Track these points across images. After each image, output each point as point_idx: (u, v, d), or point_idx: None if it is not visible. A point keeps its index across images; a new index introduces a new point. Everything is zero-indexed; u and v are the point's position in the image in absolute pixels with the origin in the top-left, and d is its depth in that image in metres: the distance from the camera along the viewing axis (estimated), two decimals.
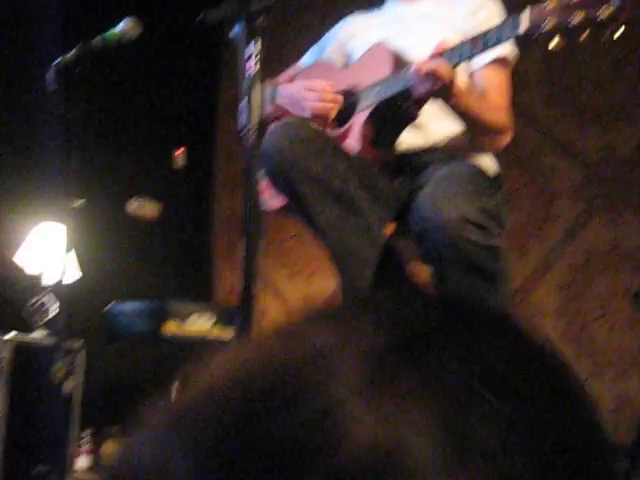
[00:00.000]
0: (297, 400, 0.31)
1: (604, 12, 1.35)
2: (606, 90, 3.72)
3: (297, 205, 1.89)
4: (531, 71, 3.73)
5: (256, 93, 1.43)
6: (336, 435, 0.30)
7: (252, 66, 1.44)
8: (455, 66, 1.76)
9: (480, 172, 1.92)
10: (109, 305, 2.38)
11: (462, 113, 1.91)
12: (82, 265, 3.31)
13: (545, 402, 0.32)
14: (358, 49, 2.25)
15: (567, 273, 3.76)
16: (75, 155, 2.38)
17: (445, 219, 1.68)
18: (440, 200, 1.72)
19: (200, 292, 4.58)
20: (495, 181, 2.02)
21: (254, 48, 1.45)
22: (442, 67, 1.70)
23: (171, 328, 2.19)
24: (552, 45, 1.47)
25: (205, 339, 2.27)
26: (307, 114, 2.06)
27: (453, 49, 1.74)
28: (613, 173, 3.71)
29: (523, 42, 1.68)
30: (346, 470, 0.29)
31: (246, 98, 1.44)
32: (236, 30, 1.48)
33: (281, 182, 1.86)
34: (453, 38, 2.11)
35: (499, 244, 1.77)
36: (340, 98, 2.08)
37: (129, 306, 2.36)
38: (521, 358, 0.33)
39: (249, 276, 1.46)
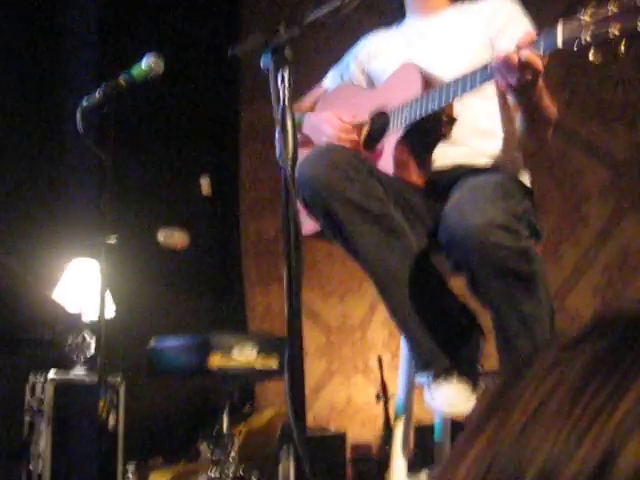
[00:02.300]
0: None
1: None
2: (629, 88, 3.69)
3: (335, 230, 1.88)
4: (551, 73, 3.70)
5: (289, 123, 1.43)
6: None
7: (283, 95, 1.44)
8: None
9: (509, 179, 1.90)
10: (151, 341, 2.38)
11: (536, 106, 1.86)
12: (117, 300, 3.33)
13: None
14: (382, 69, 2.24)
15: (602, 275, 3.72)
16: (104, 192, 2.39)
17: (471, 226, 1.67)
18: (465, 208, 1.71)
19: (234, 316, 4.60)
20: (528, 188, 2.01)
21: (283, 78, 1.45)
22: (535, 56, 1.62)
23: (216, 360, 2.19)
24: (591, 57, 1.44)
25: (251, 369, 2.27)
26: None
27: (538, 41, 1.65)
28: None
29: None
30: None
31: (280, 128, 1.44)
32: (264, 61, 1.49)
33: (319, 208, 1.85)
34: (477, 47, 2.11)
35: (529, 246, 1.74)
36: (353, 136, 2.07)
37: (172, 341, 2.36)
38: None
39: (293, 307, 1.44)
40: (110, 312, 3.17)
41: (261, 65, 1.50)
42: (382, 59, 2.28)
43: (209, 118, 4.50)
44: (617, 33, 1.38)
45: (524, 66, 1.63)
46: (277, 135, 1.46)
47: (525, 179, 2.11)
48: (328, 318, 4.46)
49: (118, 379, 3.20)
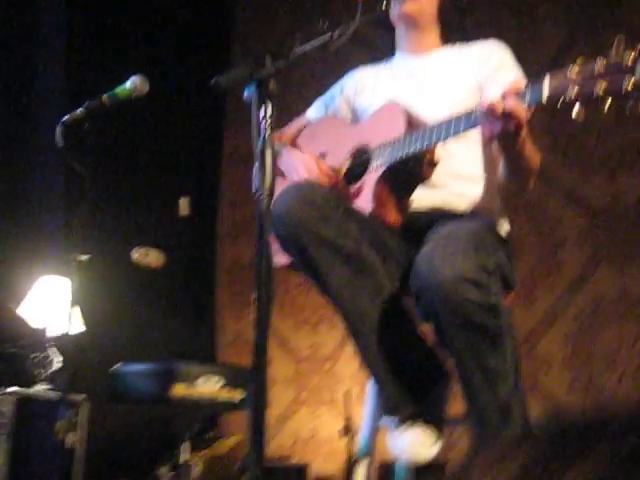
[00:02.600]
0: None
1: (628, 82, 1.33)
2: (610, 138, 3.73)
3: (307, 267, 1.86)
4: (535, 119, 3.72)
5: (268, 157, 1.42)
6: None
7: (264, 129, 1.43)
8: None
9: (486, 228, 1.88)
10: (116, 365, 2.35)
11: (520, 156, 1.85)
12: (86, 318, 3.28)
13: None
14: (368, 105, 2.23)
15: (574, 323, 3.73)
16: (80, 209, 2.37)
17: (440, 278, 1.65)
18: (436, 259, 1.68)
19: (205, 340, 4.55)
20: (503, 239, 1.99)
21: (265, 112, 1.45)
22: (520, 107, 1.61)
23: (179, 390, 2.16)
24: (574, 114, 1.43)
25: (214, 401, 2.23)
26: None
27: (524, 93, 1.63)
28: (618, 221, 3.69)
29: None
30: None
31: (258, 162, 1.43)
32: (248, 93, 1.48)
33: (291, 244, 1.83)
34: (466, 90, 2.11)
35: (498, 301, 1.72)
36: (328, 180, 2.08)
37: (136, 368, 2.33)
38: None
39: (261, 344, 1.42)
40: (79, 330, 3.13)
41: (244, 96, 1.50)
42: (369, 95, 2.27)
43: (193, 140, 4.49)
44: (602, 93, 1.37)
45: (508, 116, 1.61)
46: (255, 168, 1.45)
47: (504, 226, 2.11)
48: (299, 347, 4.43)
49: (81, 398, 3.15)
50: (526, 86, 1.59)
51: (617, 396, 3.50)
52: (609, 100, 1.39)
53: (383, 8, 2.08)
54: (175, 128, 4.35)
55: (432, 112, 2.02)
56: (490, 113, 1.63)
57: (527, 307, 3.76)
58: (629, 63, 1.35)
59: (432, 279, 1.67)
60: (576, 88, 1.42)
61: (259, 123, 1.46)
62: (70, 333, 2.52)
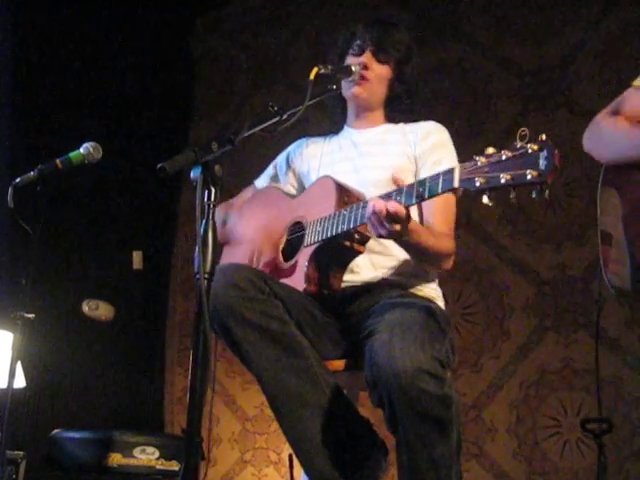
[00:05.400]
0: None
1: (531, 174, 1.37)
2: (558, 211, 3.81)
3: (234, 348, 1.88)
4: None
5: (210, 239, 1.45)
6: None
7: (207, 212, 1.46)
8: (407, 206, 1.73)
9: (431, 313, 1.91)
10: (54, 431, 2.32)
11: (413, 248, 1.92)
12: (28, 374, 3.24)
13: None
14: (311, 176, 2.31)
15: (519, 391, 3.76)
16: (27, 270, 2.36)
17: (400, 369, 1.66)
18: (395, 349, 1.69)
19: (153, 395, 4.50)
20: (445, 323, 2.02)
21: (209, 195, 1.47)
22: (400, 210, 1.67)
23: (116, 459, 2.15)
24: (484, 201, 1.47)
25: (152, 469, 2.22)
26: None
27: (403, 191, 1.71)
28: (564, 292, 3.76)
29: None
30: None
31: (200, 244, 1.44)
32: (194, 175, 1.51)
33: (217, 325, 1.85)
34: (403, 162, 2.18)
35: (451, 392, 1.74)
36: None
37: (73, 435, 2.30)
38: None
39: (193, 417, 1.43)
40: (19, 385, 3.08)
41: (190, 177, 1.53)
42: (314, 165, 2.34)
43: (149, 195, 4.50)
44: (507, 179, 1.41)
45: (392, 217, 1.68)
46: (197, 249, 1.47)
47: (440, 305, 2.15)
48: (246, 406, 4.40)
49: (20, 455, 3.08)
50: (439, 175, 1.62)
51: (561, 464, 3.53)
52: (515, 191, 1.43)
53: (334, 87, 2.15)
54: (131, 183, 4.36)
55: (372, 181, 2.10)
56: (374, 216, 1.71)
57: (474, 373, 3.79)
58: (532, 156, 1.39)
59: (391, 369, 1.67)
60: (482, 179, 1.45)
61: (203, 205, 1.48)
62: (10, 389, 2.48)
